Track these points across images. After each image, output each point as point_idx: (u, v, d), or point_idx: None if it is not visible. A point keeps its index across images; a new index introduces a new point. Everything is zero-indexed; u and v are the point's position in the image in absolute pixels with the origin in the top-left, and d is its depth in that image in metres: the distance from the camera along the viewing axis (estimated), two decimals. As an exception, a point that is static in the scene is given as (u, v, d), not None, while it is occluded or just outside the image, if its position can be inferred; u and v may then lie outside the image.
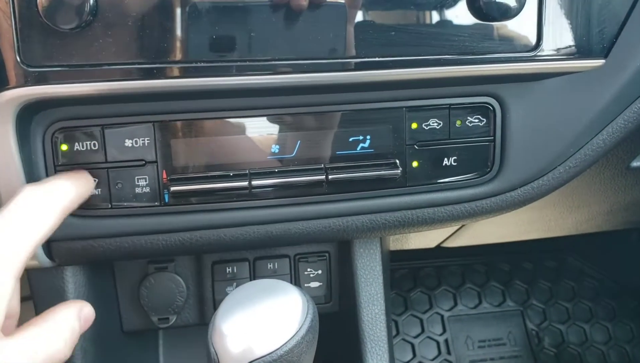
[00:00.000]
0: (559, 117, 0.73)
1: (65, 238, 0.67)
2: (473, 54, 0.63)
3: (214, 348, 0.57)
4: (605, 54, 0.69)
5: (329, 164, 0.69)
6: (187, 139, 0.66)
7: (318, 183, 0.68)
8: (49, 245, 0.68)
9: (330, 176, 0.68)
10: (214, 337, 0.58)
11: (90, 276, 0.78)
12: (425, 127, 0.71)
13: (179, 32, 0.57)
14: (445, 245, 1.42)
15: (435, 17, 0.62)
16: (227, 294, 0.63)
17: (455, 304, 1.72)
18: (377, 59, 0.61)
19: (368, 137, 0.70)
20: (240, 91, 0.63)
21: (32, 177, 0.63)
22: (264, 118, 0.68)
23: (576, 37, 0.67)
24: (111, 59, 0.57)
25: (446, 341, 1.65)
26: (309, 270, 0.91)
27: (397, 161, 0.70)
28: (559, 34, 0.66)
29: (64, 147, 0.64)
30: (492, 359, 1.64)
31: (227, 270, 0.88)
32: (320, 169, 0.69)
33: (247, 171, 0.67)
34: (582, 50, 0.67)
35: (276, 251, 0.89)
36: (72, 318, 0.55)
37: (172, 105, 0.65)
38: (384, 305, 0.89)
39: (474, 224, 1.19)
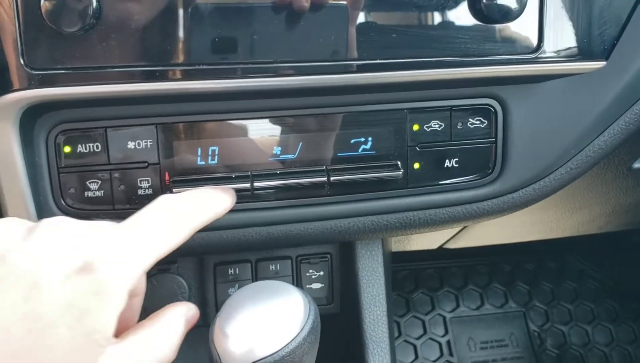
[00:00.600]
0: (560, 118, 0.73)
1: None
2: (474, 56, 0.63)
3: (216, 350, 0.58)
4: (606, 56, 0.69)
5: (331, 165, 0.69)
6: (189, 141, 0.66)
7: (320, 184, 0.68)
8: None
9: (332, 178, 0.68)
10: (216, 338, 0.58)
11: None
12: (426, 129, 0.71)
13: (181, 34, 0.58)
14: (447, 246, 1.42)
15: (436, 19, 0.62)
16: (229, 295, 0.63)
17: (458, 305, 1.72)
18: (379, 61, 0.62)
19: (370, 138, 0.70)
20: (243, 93, 0.63)
21: (34, 179, 0.63)
22: (266, 120, 0.68)
23: (577, 38, 0.67)
24: (114, 61, 0.57)
25: (448, 342, 1.65)
26: (310, 271, 0.91)
27: (399, 163, 0.70)
28: (560, 36, 0.66)
29: (67, 149, 0.64)
30: (494, 360, 1.64)
31: (229, 271, 0.88)
32: (322, 170, 0.69)
33: (249, 173, 0.67)
34: (583, 52, 0.68)
35: (278, 252, 0.89)
36: (180, 321, 0.52)
37: (175, 107, 0.65)
38: (385, 307, 0.89)
39: (476, 225, 1.19)
